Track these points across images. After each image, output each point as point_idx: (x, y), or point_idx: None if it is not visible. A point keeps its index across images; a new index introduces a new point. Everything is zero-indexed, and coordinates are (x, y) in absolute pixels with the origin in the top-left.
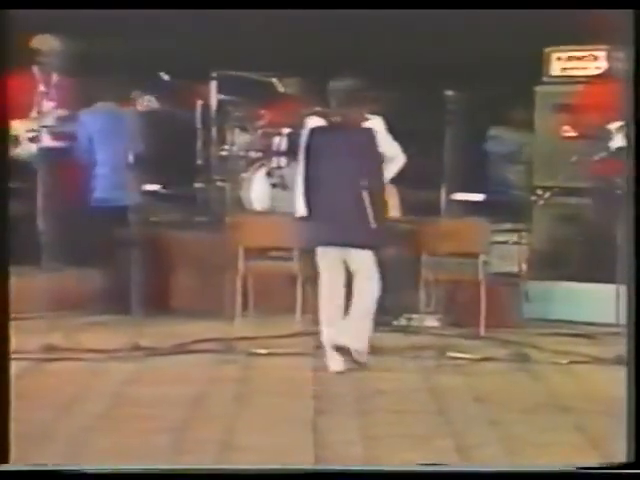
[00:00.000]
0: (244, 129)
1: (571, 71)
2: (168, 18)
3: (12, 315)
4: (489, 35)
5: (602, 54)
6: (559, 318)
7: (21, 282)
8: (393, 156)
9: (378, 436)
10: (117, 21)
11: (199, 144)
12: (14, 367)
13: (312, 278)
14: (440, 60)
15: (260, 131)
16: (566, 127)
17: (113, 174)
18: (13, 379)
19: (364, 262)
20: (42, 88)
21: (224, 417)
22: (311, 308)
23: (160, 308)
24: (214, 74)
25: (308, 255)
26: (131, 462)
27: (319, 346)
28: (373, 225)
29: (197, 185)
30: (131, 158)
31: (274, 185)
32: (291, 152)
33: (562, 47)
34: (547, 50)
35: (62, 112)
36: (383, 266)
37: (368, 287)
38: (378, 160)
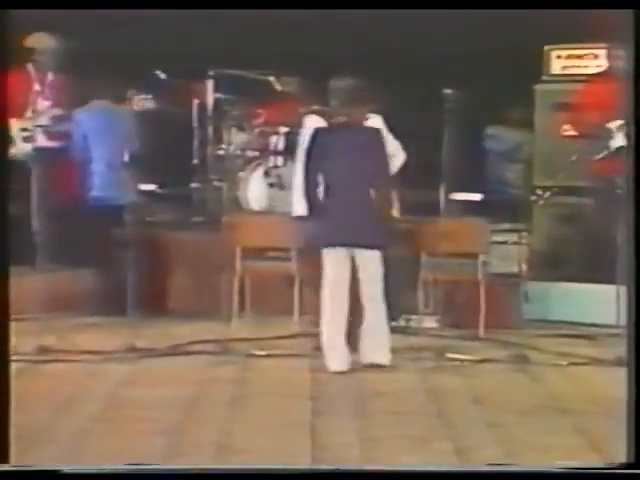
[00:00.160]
0: (241, 128)
1: (571, 70)
2: (165, 17)
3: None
4: (488, 33)
5: (602, 52)
6: (559, 319)
7: (16, 283)
8: (394, 154)
9: (376, 438)
10: (113, 20)
11: (196, 143)
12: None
13: (310, 278)
14: (439, 59)
15: (257, 130)
16: (566, 126)
17: (109, 173)
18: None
19: (372, 262)
20: (37, 87)
21: (221, 419)
22: (309, 309)
23: (156, 309)
24: (211, 73)
25: (307, 255)
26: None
27: (317, 347)
28: (381, 224)
29: (194, 185)
30: (127, 157)
31: (271, 185)
32: (289, 151)
33: (562, 45)
34: (547, 48)
35: (57, 111)
36: (383, 266)
37: (376, 293)
38: (385, 159)
